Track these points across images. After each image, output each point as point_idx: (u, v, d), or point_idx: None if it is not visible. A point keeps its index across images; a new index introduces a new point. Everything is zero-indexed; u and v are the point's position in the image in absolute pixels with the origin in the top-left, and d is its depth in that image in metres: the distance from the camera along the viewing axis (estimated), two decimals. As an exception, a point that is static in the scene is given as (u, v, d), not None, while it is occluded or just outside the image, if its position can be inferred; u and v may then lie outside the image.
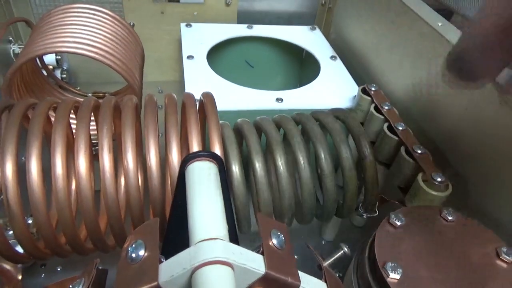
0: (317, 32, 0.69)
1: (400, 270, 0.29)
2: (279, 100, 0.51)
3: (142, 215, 0.33)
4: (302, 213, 0.40)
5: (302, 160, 0.37)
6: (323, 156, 0.37)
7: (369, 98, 0.49)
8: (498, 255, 0.31)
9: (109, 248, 0.36)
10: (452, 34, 0.43)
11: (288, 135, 0.38)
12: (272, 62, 0.72)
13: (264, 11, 0.74)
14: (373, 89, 0.49)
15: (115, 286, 0.20)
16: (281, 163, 0.36)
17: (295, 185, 0.41)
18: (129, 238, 0.22)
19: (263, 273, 0.20)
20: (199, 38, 0.63)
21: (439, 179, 0.37)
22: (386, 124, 0.45)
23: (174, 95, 0.39)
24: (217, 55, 0.66)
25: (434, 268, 0.30)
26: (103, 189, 0.31)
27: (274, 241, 0.22)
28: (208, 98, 0.37)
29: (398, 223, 0.32)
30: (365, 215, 0.42)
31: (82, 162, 0.30)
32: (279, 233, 0.22)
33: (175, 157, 0.32)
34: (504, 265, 0.31)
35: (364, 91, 0.49)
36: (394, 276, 0.29)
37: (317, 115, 0.41)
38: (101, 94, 0.61)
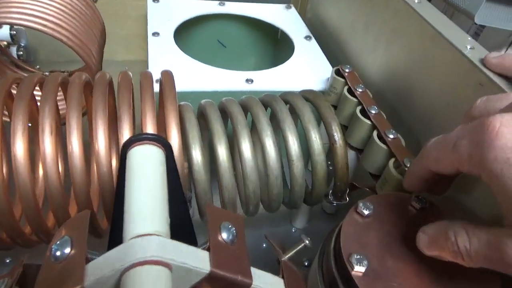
0: (293, 11, 0.66)
1: (365, 262, 0.27)
2: (249, 81, 0.49)
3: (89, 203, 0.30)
4: (268, 200, 0.37)
5: (268, 143, 0.34)
6: (290, 139, 0.35)
7: (343, 80, 0.46)
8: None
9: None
10: (429, 12, 0.41)
11: (254, 118, 0.36)
12: (245, 42, 0.68)
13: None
14: (347, 70, 0.46)
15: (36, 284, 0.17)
16: (245, 147, 0.34)
17: (262, 171, 0.38)
18: (56, 234, 0.19)
19: (207, 271, 0.18)
20: (166, 14, 0.59)
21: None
22: (358, 108, 0.42)
23: (130, 73, 0.35)
24: (186, 33, 0.62)
25: (401, 261, 0.28)
26: (44, 174, 0.28)
27: (224, 235, 0.20)
28: (166, 76, 0.34)
29: (366, 212, 0.30)
30: (335, 202, 0.41)
31: (48, 144, 0.27)
32: (230, 226, 0.20)
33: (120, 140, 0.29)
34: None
35: (338, 72, 0.47)
36: (359, 268, 0.27)
37: (285, 97, 0.39)
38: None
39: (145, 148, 0.21)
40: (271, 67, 0.52)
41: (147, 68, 0.49)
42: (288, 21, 0.63)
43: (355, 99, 0.44)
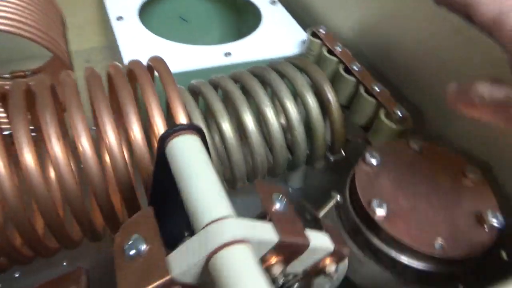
0: (250, -24, 0.65)
1: (384, 206, 0.30)
2: (227, 54, 0.48)
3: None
4: (273, 167, 0.39)
5: (270, 115, 0.35)
6: (289, 106, 0.36)
7: (320, 42, 0.48)
8: (464, 174, 0.33)
9: (75, 244, 0.33)
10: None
11: (251, 91, 0.37)
12: (207, 14, 0.67)
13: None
14: (322, 31, 0.48)
15: (117, 284, 0.18)
16: (249, 122, 0.34)
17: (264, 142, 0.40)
18: (120, 234, 0.19)
19: (276, 241, 0.19)
20: (123, -4, 0.56)
21: (400, 114, 0.38)
22: (341, 66, 0.44)
23: (119, 64, 0.35)
24: (148, 13, 0.60)
25: (413, 198, 0.31)
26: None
27: (277, 205, 0.21)
28: (159, 63, 0.33)
29: (374, 161, 0.33)
30: (332, 158, 0.43)
31: (58, 151, 0.26)
32: (280, 197, 0.22)
33: (138, 135, 0.29)
34: (469, 182, 0.33)
35: (314, 34, 0.48)
36: (380, 212, 0.29)
37: (275, 66, 0.40)
38: (21, 73, 0.54)
39: (185, 138, 0.21)
40: (236, 37, 0.52)
41: (111, 55, 0.47)
42: (248, -13, 0.62)
43: (335, 58, 0.45)
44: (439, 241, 0.28)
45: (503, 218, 0.30)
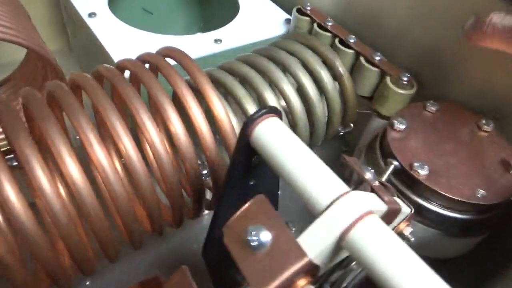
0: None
1: (425, 167, 0.31)
2: (217, 41, 0.47)
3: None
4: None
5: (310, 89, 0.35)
6: (307, 84, 0.36)
7: (308, 18, 0.48)
8: (479, 128, 0.36)
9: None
10: None
11: (266, 71, 0.36)
12: (171, 4, 0.64)
13: None
14: (308, 8, 0.48)
15: (247, 278, 0.17)
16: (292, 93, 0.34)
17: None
18: (234, 226, 0.18)
19: (385, 209, 0.19)
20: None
21: (405, 78, 0.40)
22: (337, 40, 0.45)
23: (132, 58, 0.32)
24: (116, 7, 0.56)
25: (444, 155, 0.33)
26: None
27: (369, 175, 0.21)
28: (180, 54, 0.31)
29: (402, 126, 0.34)
30: (343, 131, 0.44)
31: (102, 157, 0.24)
32: (367, 168, 0.22)
33: (179, 129, 0.28)
34: (486, 134, 0.35)
35: (300, 12, 0.48)
36: (423, 173, 0.31)
37: (281, 45, 0.39)
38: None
39: (271, 122, 0.20)
40: (201, 24, 0.50)
41: (101, 53, 0.44)
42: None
43: (328, 33, 0.46)
44: (480, 191, 0.30)
45: (526, 161, 0.32)
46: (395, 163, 0.29)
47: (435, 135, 0.34)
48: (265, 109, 0.21)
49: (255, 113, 0.20)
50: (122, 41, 0.45)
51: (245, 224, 0.18)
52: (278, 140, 0.20)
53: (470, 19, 0.30)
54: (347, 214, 0.17)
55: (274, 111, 0.21)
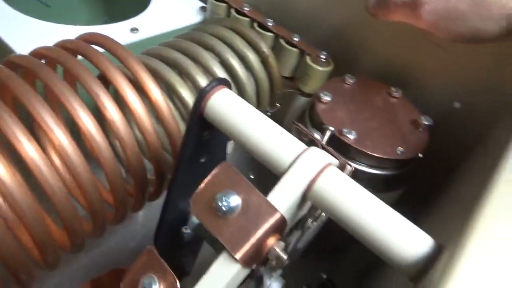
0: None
1: (353, 132, 0.34)
2: (134, 30, 0.45)
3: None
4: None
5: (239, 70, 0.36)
6: (236, 65, 0.37)
7: (224, 5, 0.48)
8: (390, 95, 0.40)
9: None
10: None
11: (195, 55, 0.36)
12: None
13: None
14: (224, -6, 0.48)
15: (223, 243, 0.17)
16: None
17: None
18: (201, 194, 0.18)
19: (338, 163, 0.21)
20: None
21: (323, 57, 0.43)
22: (255, 24, 0.46)
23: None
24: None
25: (366, 121, 0.36)
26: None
27: (318, 137, 0.23)
28: (107, 40, 0.30)
29: (328, 98, 0.37)
30: (270, 111, 0.46)
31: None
32: (314, 130, 0.23)
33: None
34: (396, 100, 0.40)
35: (215, -2, 0.49)
36: (352, 137, 0.34)
37: (207, 30, 0.39)
38: None
39: (224, 92, 0.21)
40: (104, 14, 0.48)
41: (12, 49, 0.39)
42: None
43: (247, 18, 0.47)
44: (400, 148, 0.35)
45: (430, 118, 0.38)
46: (331, 128, 0.32)
47: (355, 104, 0.38)
48: (216, 81, 0.21)
49: (206, 85, 0.20)
50: (23, 32, 0.40)
51: (213, 192, 0.18)
52: (233, 110, 0.20)
53: None
54: (311, 167, 0.18)
55: (223, 82, 0.21)
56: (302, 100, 0.47)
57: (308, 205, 0.21)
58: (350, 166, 0.26)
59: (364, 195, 0.18)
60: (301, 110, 0.46)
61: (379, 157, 0.34)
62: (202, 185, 0.19)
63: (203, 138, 0.23)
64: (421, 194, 0.40)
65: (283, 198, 0.18)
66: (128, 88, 0.27)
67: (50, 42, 0.31)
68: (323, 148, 0.22)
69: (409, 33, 0.40)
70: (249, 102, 0.39)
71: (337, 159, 0.22)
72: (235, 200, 0.18)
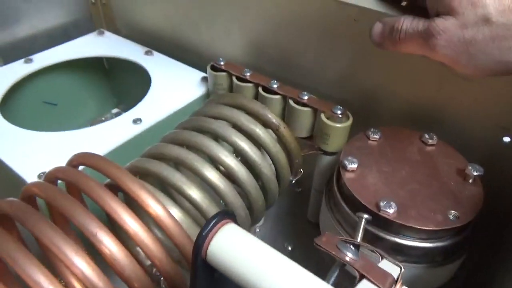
0: (109, 34, 0.60)
1: (392, 203, 0.29)
2: (137, 121, 0.43)
3: None
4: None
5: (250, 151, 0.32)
6: (246, 147, 0.34)
7: (224, 73, 0.46)
8: (425, 143, 0.35)
9: None
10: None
11: (202, 148, 0.33)
12: (76, 87, 0.59)
13: (29, 37, 0.58)
14: (222, 62, 0.46)
15: None
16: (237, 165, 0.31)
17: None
18: None
19: None
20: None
21: (339, 112, 0.39)
22: (260, 88, 0.43)
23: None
24: (8, 107, 0.49)
25: (404, 184, 0.31)
26: None
27: (351, 255, 0.18)
28: (94, 158, 0.27)
29: (354, 165, 0.32)
30: (294, 179, 0.41)
31: None
32: (344, 243, 0.19)
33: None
34: (432, 148, 0.35)
35: (214, 68, 0.46)
36: (392, 210, 0.29)
37: (208, 112, 0.36)
38: None
39: (225, 231, 0.17)
40: (115, 100, 0.47)
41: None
42: (112, 46, 0.57)
43: (249, 84, 0.44)
44: (452, 212, 0.29)
45: (479, 165, 0.32)
46: (365, 216, 0.27)
47: (387, 164, 0.33)
48: (215, 219, 0.17)
49: (204, 227, 0.17)
50: (28, 150, 0.39)
51: None
52: (238, 253, 0.16)
53: (376, 26, 0.30)
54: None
55: (225, 215, 0.17)
56: (326, 159, 0.42)
57: None
58: (400, 268, 0.21)
59: None
60: (327, 170, 0.41)
61: (429, 229, 0.28)
62: None
63: (215, 278, 0.19)
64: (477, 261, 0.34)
65: None
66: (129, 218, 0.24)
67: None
68: (361, 274, 0.17)
69: (429, 66, 0.35)
70: (268, 183, 0.35)
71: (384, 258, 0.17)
72: None
